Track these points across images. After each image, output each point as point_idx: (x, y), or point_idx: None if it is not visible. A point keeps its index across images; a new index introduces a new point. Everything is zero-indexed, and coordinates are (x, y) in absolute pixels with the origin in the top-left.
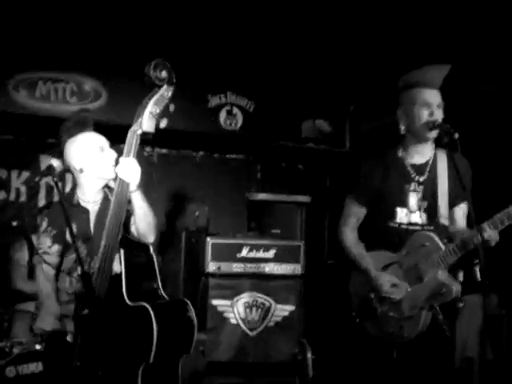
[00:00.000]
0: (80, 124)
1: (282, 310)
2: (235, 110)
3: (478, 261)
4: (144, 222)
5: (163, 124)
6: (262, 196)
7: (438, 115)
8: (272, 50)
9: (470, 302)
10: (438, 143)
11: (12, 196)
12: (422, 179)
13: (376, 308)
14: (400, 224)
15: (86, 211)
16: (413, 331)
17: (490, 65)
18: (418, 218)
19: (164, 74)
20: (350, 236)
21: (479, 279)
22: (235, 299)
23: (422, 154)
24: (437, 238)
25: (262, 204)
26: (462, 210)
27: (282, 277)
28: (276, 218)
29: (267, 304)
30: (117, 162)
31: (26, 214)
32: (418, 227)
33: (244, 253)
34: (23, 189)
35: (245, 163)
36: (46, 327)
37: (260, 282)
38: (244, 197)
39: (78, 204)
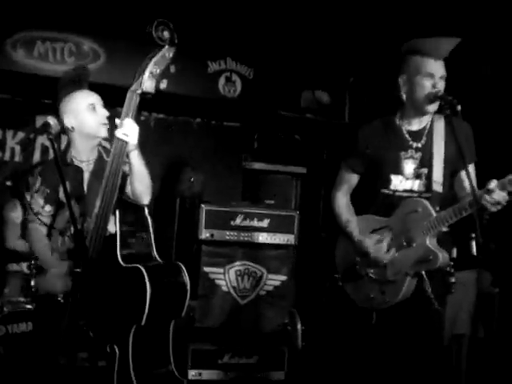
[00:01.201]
0: (74, 82)
1: (274, 280)
2: (234, 77)
3: (474, 235)
4: (140, 182)
5: (163, 85)
6: (257, 165)
7: (441, 86)
8: (274, 19)
9: (463, 278)
10: (439, 112)
11: (7, 156)
12: (419, 145)
13: (360, 271)
14: (395, 191)
15: (79, 170)
16: (394, 297)
17: (492, 43)
18: (414, 185)
19: (166, 34)
20: (341, 201)
21: (475, 253)
22: (227, 267)
23: (420, 120)
24: (429, 205)
25: (257, 173)
26: (466, 174)
27: (275, 246)
28: (271, 188)
29: (259, 273)
30: (111, 122)
31: (20, 173)
32: (414, 194)
33: (238, 221)
34: (18, 149)
35: (242, 131)
36: (57, 290)
37: (253, 250)
38: (240, 165)
39: (72, 163)
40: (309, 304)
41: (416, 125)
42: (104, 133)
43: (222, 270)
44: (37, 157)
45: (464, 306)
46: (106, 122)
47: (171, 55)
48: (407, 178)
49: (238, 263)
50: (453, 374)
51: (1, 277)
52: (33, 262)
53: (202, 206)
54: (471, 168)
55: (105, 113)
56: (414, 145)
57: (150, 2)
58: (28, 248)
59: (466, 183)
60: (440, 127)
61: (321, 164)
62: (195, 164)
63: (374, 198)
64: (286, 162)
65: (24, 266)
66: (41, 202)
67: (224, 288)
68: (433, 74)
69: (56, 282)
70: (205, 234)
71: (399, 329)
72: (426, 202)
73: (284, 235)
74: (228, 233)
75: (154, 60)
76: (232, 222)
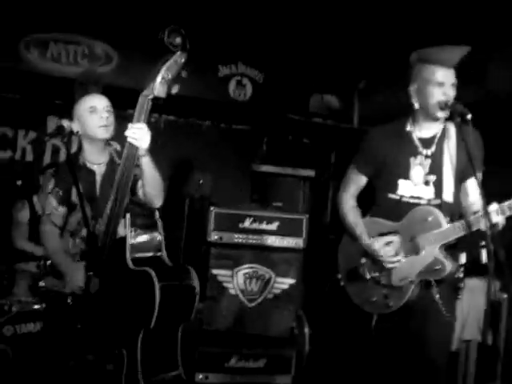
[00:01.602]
0: (83, 86)
1: (282, 283)
2: (245, 81)
3: (484, 243)
4: (152, 186)
5: (175, 90)
6: (266, 168)
7: (451, 94)
8: (284, 24)
9: (472, 284)
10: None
11: (18, 155)
12: (429, 152)
13: (365, 274)
14: (402, 196)
15: (92, 172)
16: (397, 303)
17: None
18: (422, 191)
19: (178, 40)
20: (347, 202)
21: (484, 262)
22: (235, 270)
23: (430, 128)
24: (440, 216)
25: (266, 176)
26: (473, 183)
27: (283, 250)
28: (279, 191)
29: (267, 276)
30: (124, 125)
31: (31, 173)
32: (422, 201)
33: (247, 224)
34: (29, 148)
35: (251, 134)
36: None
37: (261, 253)
38: (248, 168)
39: (84, 165)
40: (316, 308)
41: (427, 132)
42: (103, 135)
43: (230, 273)
44: (47, 157)
45: (472, 312)
46: (106, 123)
47: (183, 61)
48: (415, 185)
49: (246, 266)
50: (461, 379)
51: (9, 276)
52: (42, 262)
53: (211, 208)
54: (478, 176)
55: (104, 115)
56: (424, 152)
57: (162, 6)
58: (38, 249)
59: (472, 193)
60: (452, 135)
61: (329, 167)
62: (204, 166)
63: (379, 203)
64: (295, 164)
65: (32, 266)
66: (54, 203)
67: (232, 291)
68: (443, 83)
69: (79, 282)
70: (213, 237)
71: (401, 333)
72: (438, 213)
73: (293, 238)
74: (237, 235)
75: (166, 65)
76: (241, 225)
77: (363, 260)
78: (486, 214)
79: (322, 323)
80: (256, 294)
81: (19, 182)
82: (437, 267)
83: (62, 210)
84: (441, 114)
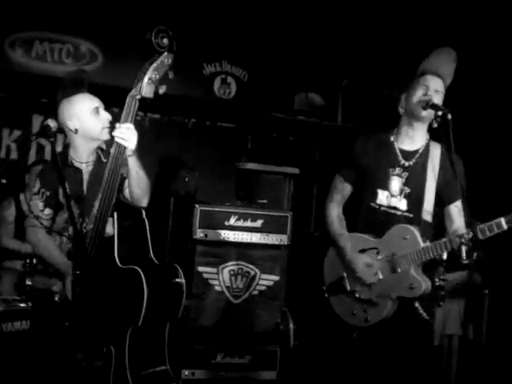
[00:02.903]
0: (75, 84)
1: (267, 280)
2: (229, 79)
3: (464, 240)
4: (138, 185)
5: (162, 90)
6: (251, 165)
7: (433, 99)
8: (268, 22)
9: (453, 280)
10: (432, 129)
11: (2, 153)
12: (407, 164)
13: (346, 287)
14: (380, 206)
15: (79, 171)
16: (375, 318)
17: (486, 49)
18: (399, 203)
19: (165, 41)
20: (333, 212)
21: (464, 258)
22: (221, 267)
23: (413, 140)
24: (418, 235)
25: (250, 173)
26: (457, 208)
27: (268, 246)
28: (264, 188)
29: (252, 273)
30: (112, 126)
31: (15, 172)
32: (397, 212)
33: (232, 221)
34: (14, 146)
35: (236, 132)
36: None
37: (246, 250)
38: (233, 165)
39: (72, 164)
40: (301, 304)
41: (409, 145)
42: (106, 136)
43: (215, 270)
44: (32, 155)
45: (454, 307)
46: (109, 125)
47: (170, 62)
48: (392, 195)
49: (231, 263)
50: (443, 374)
51: None
52: (28, 260)
53: (196, 206)
54: (459, 203)
55: (108, 117)
56: (404, 163)
57: (147, 4)
58: (25, 246)
59: (456, 219)
60: (436, 156)
61: (313, 165)
62: (190, 163)
63: (361, 211)
64: (279, 162)
65: (18, 264)
66: (40, 205)
67: (217, 288)
68: (428, 86)
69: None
70: (199, 234)
71: (383, 341)
72: (416, 232)
73: (277, 235)
74: (222, 233)
75: (153, 66)
76: (226, 222)
77: (345, 273)
78: (471, 232)
79: (308, 319)
80: (241, 290)
81: (4, 181)
82: (412, 286)
83: (49, 211)
84: (423, 113)
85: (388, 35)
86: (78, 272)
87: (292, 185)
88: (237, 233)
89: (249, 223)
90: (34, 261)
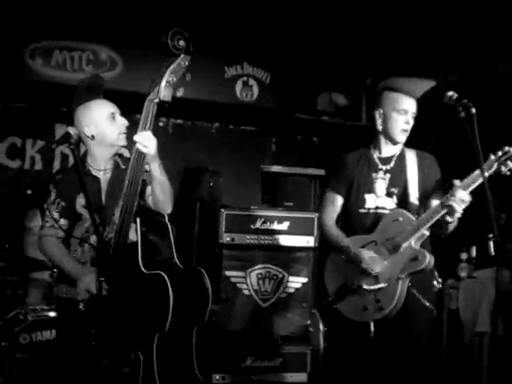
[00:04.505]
0: (91, 90)
1: (295, 282)
2: (251, 82)
3: (492, 235)
4: (161, 192)
5: (180, 93)
6: (276, 168)
7: (411, 123)
8: (290, 22)
9: (482, 276)
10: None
11: (27, 164)
12: (388, 167)
13: (353, 285)
14: (369, 209)
15: (96, 180)
16: (389, 303)
17: (507, 43)
18: (386, 202)
19: (182, 43)
20: (329, 221)
21: (492, 253)
22: (248, 270)
23: (388, 149)
24: (408, 213)
25: (276, 176)
26: (439, 198)
27: (295, 249)
28: (289, 191)
29: (280, 276)
30: (130, 131)
31: (40, 182)
32: (385, 210)
33: (258, 224)
34: (38, 157)
35: (260, 135)
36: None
37: (273, 253)
38: (258, 169)
39: (90, 172)
40: (330, 305)
41: (385, 153)
42: (123, 141)
43: (243, 274)
44: (57, 165)
45: (483, 304)
46: (126, 131)
47: (187, 64)
48: (378, 196)
49: (258, 266)
50: (474, 371)
51: (23, 286)
52: (55, 270)
53: (222, 210)
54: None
55: (124, 122)
56: (384, 167)
57: (166, 9)
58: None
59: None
60: (412, 157)
61: None
62: (214, 168)
63: (352, 219)
64: (304, 164)
65: (45, 275)
66: (56, 215)
67: (246, 291)
68: (407, 111)
69: (91, 287)
70: (225, 238)
71: (398, 337)
72: (405, 211)
73: (304, 237)
74: (248, 236)
75: (170, 69)
76: (252, 226)
77: (348, 273)
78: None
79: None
80: (270, 293)
81: (29, 192)
82: (417, 257)
83: (64, 222)
84: (401, 139)
85: (411, 35)
86: (102, 279)
87: (318, 186)
88: (263, 236)
89: (275, 226)
90: (55, 271)
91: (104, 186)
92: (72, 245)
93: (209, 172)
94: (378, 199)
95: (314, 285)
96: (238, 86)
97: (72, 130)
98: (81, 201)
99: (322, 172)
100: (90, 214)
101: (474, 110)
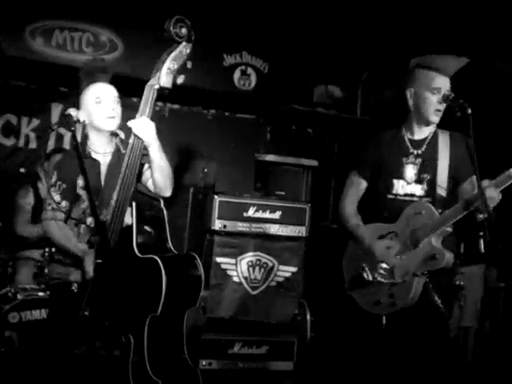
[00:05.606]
0: (91, 74)
1: (285, 271)
2: (249, 71)
3: (482, 233)
4: (161, 175)
5: (180, 80)
6: (270, 157)
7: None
8: (289, 13)
9: (470, 273)
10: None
11: (21, 142)
12: (419, 151)
13: (368, 277)
14: (397, 195)
15: (96, 162)
16: (404, 299)
17: (504, 40)
18: (415, 189)
19: (184, 31)
20: (348, 207)
21: (483, 251)
22: (239, 258)
23: (421, 130)
24: (432, 207)
25: (269, 165)
26: (470, 184)
27: (286, 238)
28: (282, 180)
29: (270, 264)
30: (129, 114)
31: (34, 160)
32: (415, 198)
33: (250, 212)
34: (33, 135)
35: (255, 124)
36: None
37: (264, 242)
38: (252, 157)
39: (89, 155)
40: (319, 295)
41: (417, 135)
42: (110, 126)
43: (234, 261)
44: (51, 144)
45: (470, 300)
46: (112, 115)
47: (188, 51)
48: (408, 183)
49: (249, 254)
50: (458, 365)
51: (12, 263)
52: (47, 249)
53: (216, 196)
54: (473, 179)
55: (110, 106)
56: (415, 152)
57: None
58: (35, 232)
59: (470, 190)
60: (445, 140)
61: (332, 157)
62: (208, 155)
63: (377, 204)
64: (298, 154)
65: (36, 254)
66: (57, 198)
67: (236, 278)
68: (440, 89)
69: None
70: (217, 225)
71: (407, 332)
72: (429, 204)
73: (295, 227)
74: (240, 224)
75: (171, 56)
76: (244, 214)
77: (364, 264)
78: (481, 188)
79: (325, 310)
80: (259, 281)
81: (22, 170)
82: (435, 256)
83: (65, 203)
84: (434, 119)
85: (409, 28)
86: (99, 261)
87: (310, 177)
88: (255, 224)
89: (267, 214)
90: (53, 249)
91: (104, 169)
92: (69, 225)
93: (203, 158)
94: (408, 186)
95: (304, 274)
96: (237, 74)
97: (73, 112)
98: (81, 182)
99: (315, 163)
100: (89, 195)
101: (469, 111)
